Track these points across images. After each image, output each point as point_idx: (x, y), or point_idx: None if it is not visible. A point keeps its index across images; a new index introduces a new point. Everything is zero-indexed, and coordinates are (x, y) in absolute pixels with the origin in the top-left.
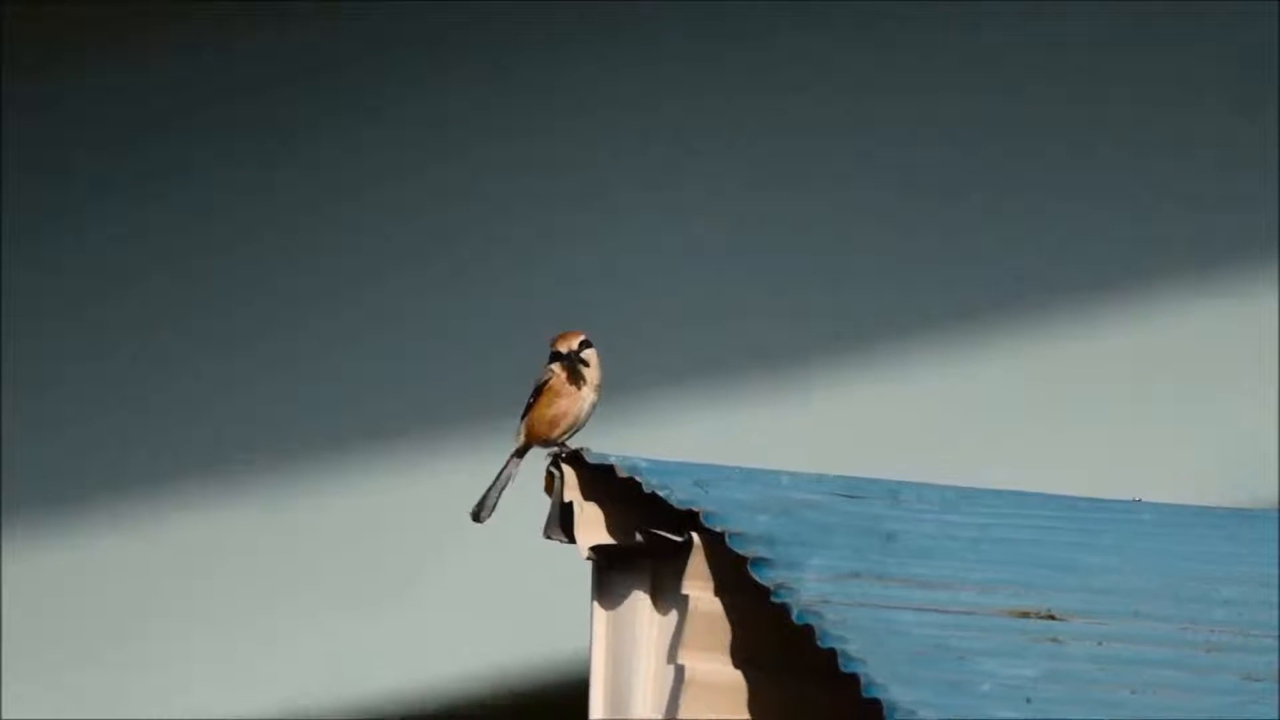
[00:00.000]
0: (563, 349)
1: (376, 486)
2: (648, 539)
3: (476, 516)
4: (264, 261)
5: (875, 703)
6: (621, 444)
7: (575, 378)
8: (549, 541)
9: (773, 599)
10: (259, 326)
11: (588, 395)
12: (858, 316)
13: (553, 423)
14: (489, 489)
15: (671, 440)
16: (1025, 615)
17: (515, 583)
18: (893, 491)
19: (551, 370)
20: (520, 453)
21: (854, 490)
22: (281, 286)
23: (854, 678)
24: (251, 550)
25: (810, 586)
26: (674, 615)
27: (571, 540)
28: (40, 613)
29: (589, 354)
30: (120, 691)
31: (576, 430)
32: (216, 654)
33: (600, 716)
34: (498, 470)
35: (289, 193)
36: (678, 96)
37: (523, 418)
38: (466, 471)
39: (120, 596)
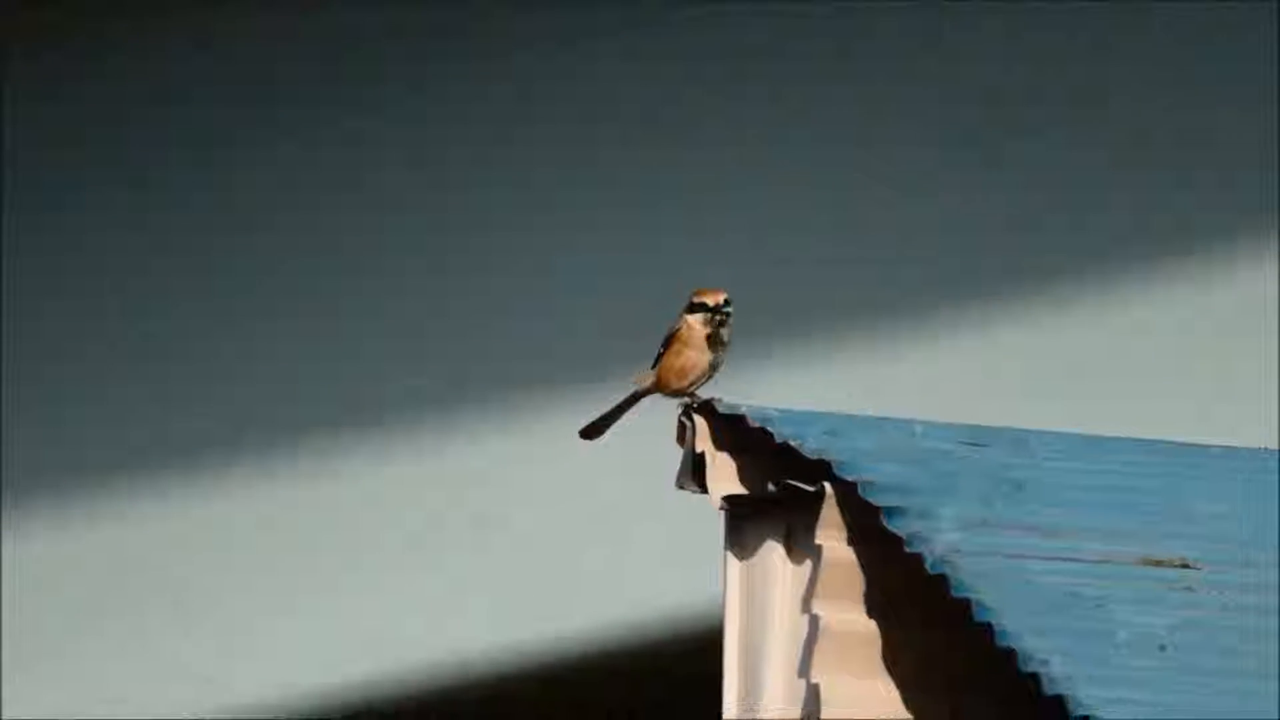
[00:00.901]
0: (710, 302)
1: (498, 443)
2: (781, 489)
3: (587, 434)
4: (264, 243)
5: (1009, 651)
6: (751, 394)
7: (716, 334)
8: (681, 491)
9: (907, 548)
10: (266, 307)
11: (708, 350)
12: (985, 267)
13: (681, 372)
14: (607, 412)
15: (798, 390)
16: (1158, 564)
17: (648, 533)
18: (1018, 440)
19: (685, 320)
20: (642, 394)
21: (982, 439)
22: (286, 268)
23: (987, 627)
24: (288, 527)
25: (943, 536)
26: (808, 565)
27: (704, 490)
28: (38, 599)
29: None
30: (117, 677)
31: (705, 382)
32: (244, 631)
33: (735, 666)
34: (620, 399)
35: (298, 168)
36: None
37: (652, 366)
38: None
39: (118, 581)
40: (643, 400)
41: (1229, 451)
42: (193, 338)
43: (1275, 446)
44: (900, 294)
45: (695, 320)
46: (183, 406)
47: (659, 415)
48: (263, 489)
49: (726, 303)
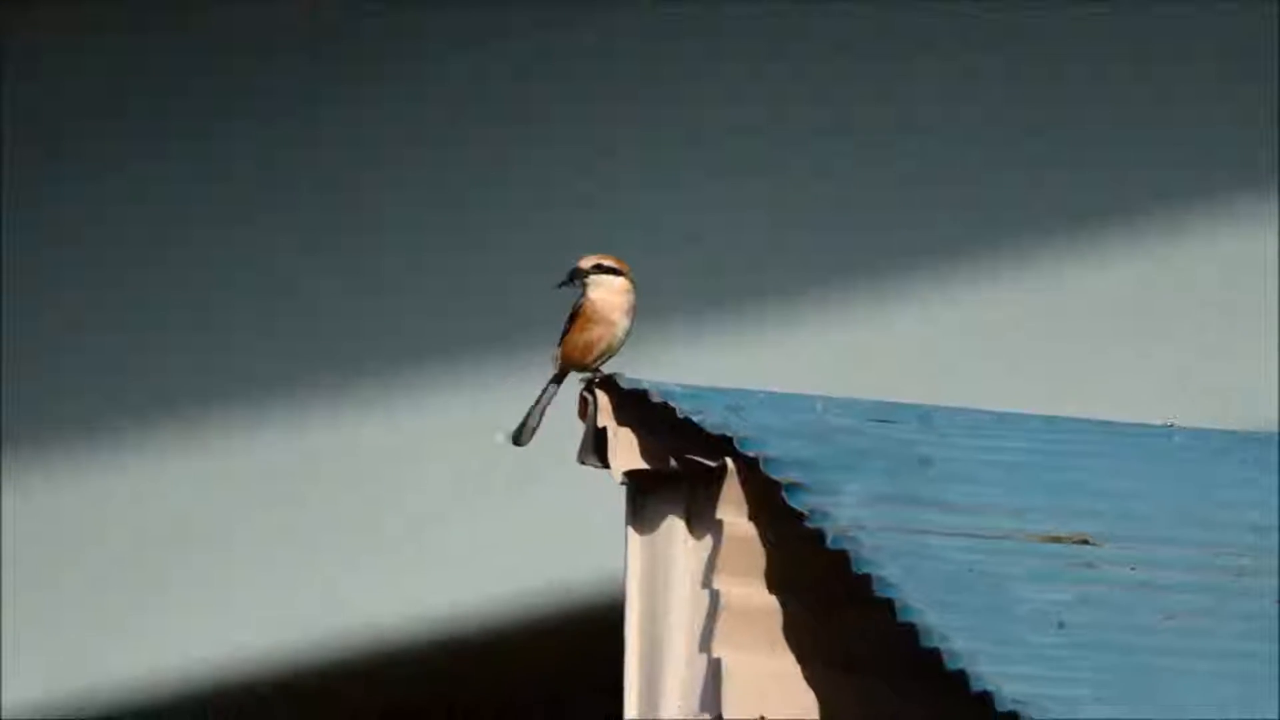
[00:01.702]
0: (580, 265)
1: (404, 415)
2: (682, 464)
3: (517, 440)
4: (285, 188)
5: (910, 627)
6: (655, 370)
7: (578, 294)
8: (583, 467)
9: (807, 524)
10: (288, 254)
11: (621, 322)
12: (890, 241)
13: (586, 348)
14: (529, 412)
15: (704, 367)
16: (1058, 540)
17: (549, 509)
18: (925, 416)
19: (586, 297)
20: (558, 378)
21: (887, 415)
22: (307, 213)
23: (889, 602)
24: (274, 482)
25: (845, 511)
26: (709, 540)
27: (606, 466)
28: (64, 545)
29: (602, 278)
30: (148, 626)
31: (610, 356)
32: (246, 585)
33: (635, 641)
34: (536, 394)
35: (319, 117)
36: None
37: (559, 344)
38: (500, 399)
39: (151, 527)
40: (561, 385)
41: (1133, 428)
42: (183, 294)
43: (1184, 423)
44: (805, 269)
45: (589, 293)
46: (171, 363)
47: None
48: (291, 430)
49: (596, 266)
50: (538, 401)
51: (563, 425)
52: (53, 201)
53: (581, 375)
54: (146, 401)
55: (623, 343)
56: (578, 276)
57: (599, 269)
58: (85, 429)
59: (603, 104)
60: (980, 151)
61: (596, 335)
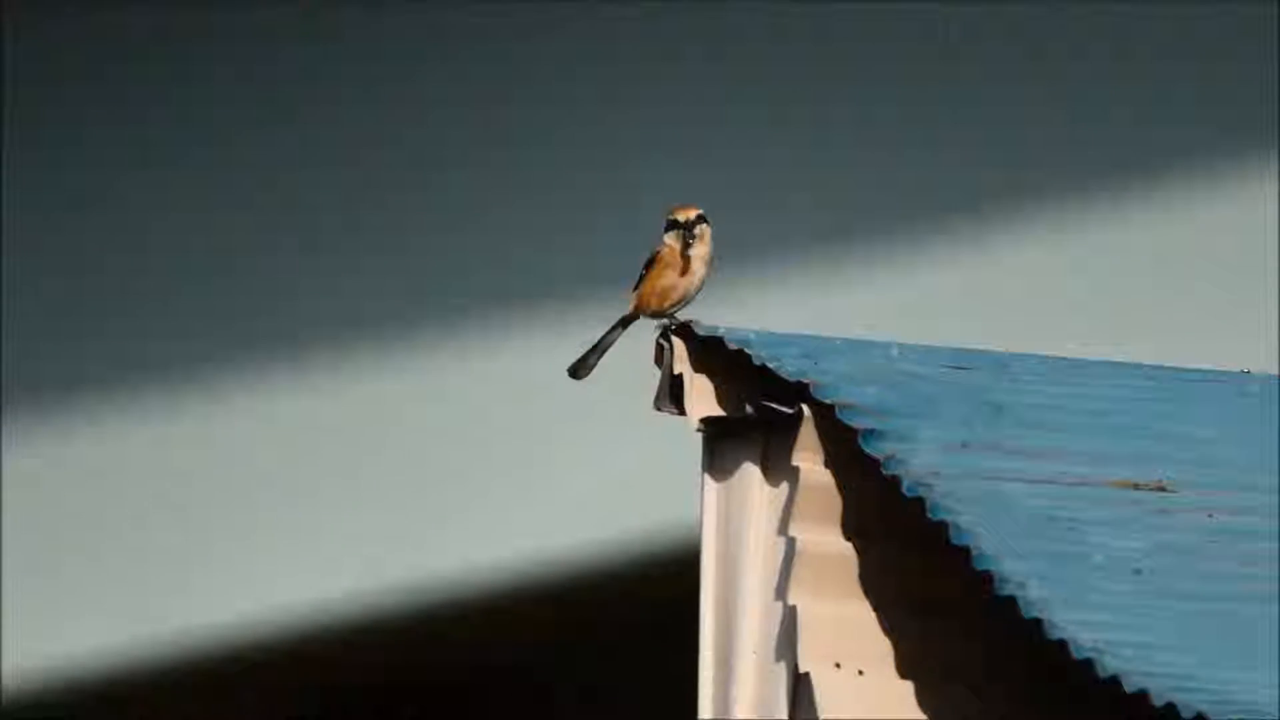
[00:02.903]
0: (680, 218)
1: (480, 363)
2: (758, 410)
3: (574, 373)
4: (327, 141)
5: (986, 574)
6: (731, 316)
7: (685, 250)
8: (659, 413)
9: (883, 471)
10: (337, 207)
11: (699, 269)
12: (965, 187)
13: (663, 295)
14: (589, 350)
15: (780, 313)
16: (1135, 487)
17: (625, 456)
18: (1001, 363)
19: (665, 242)
20: (625, 321)
21: (963, 362)
22: (354, 163)
23: (965, 550)
24: (340, 431)
25: (921, 458)
26: (785, 487)
27: (682, 412)
28: (92, 502)
29: (702, 229)
30: (200, 584)
31: (686, 303)
32: (329, 534)
33: (711, 588)
34: (601, 334)
35: (364, 68)
36: None
37: (634, 289)
38: (572, 345)
39: (207, 481)
40: (629, 327)
41: (1209, 375)
42: (191, 252)
43: (1259, 369)
44: (881, 215)
45: (672, 239)
46: (179, 322)
47: (640, 337)
48: (355, 380)
49: (699, 218)
50: (601, 340)
51: (638, 372)
52: (49, 168)
53: (657, 322)
54: (206, 352)
55: (699, 290)
56: (689, 231)
57: (702, 219)
58: (141, 380)
59: (669, 43)
60: (1058, 96)
61: (672, 282)
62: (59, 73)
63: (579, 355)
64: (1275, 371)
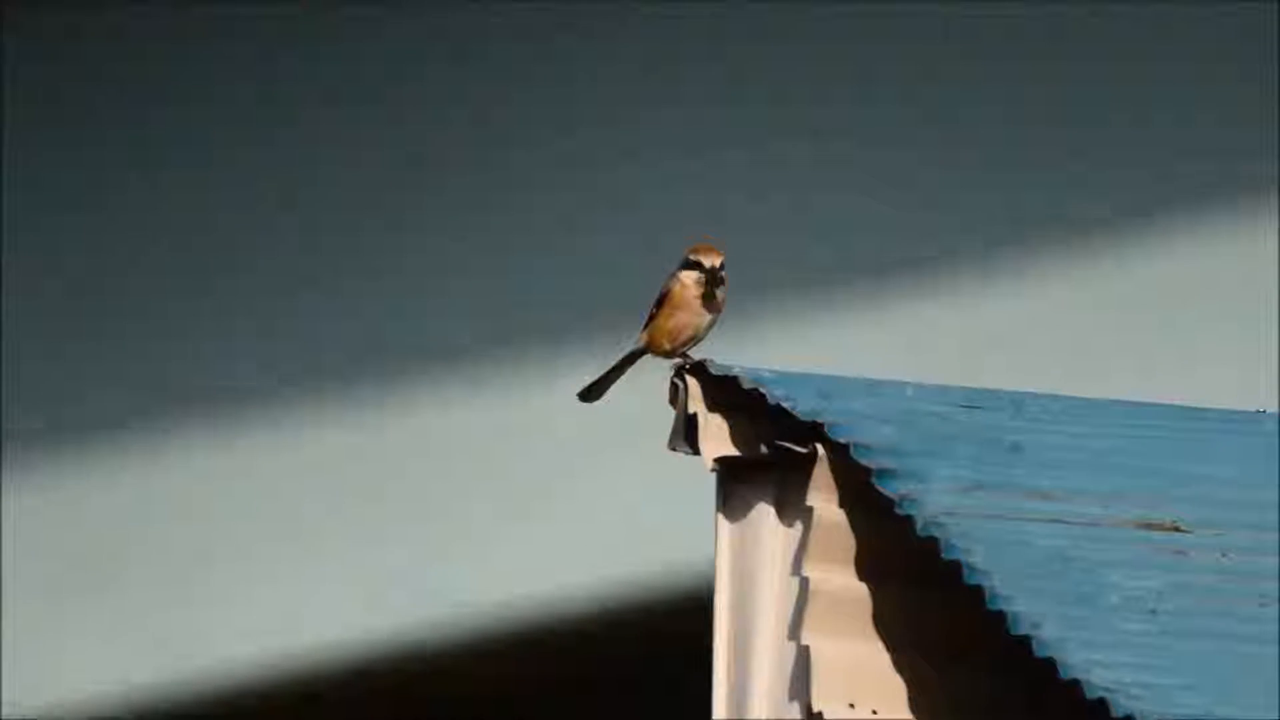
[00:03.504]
0: (706, 263)
1: (494, 400)
2: (773, 450)
3: (585, 397)
4: (354, 166)
5: (1000, 614)
6: (743, 356)
7: (709, 295)
8: (673, 453)
9: (897, 511)
10: (366, 235)
11: (703, 310)
12: (982, 226)
13: (673, 335)
14: (603, 375)
15: (794, 352)
16: (1150, 527)
17: (638, 496)
18: (1016, 402)
19: (677, 279)
20: (635, 355)
21: (978, 401)
22: (385, 183)
23: (978, 590)
24: (350, 468)
25: (935, 498)
26: (799, 527)
27: (696, 452)
28: (115, 536)
29: (724, 274)
30: (222, 617)
31: (696, 343)
32: (334, 572)
33: (725, 628)
34: (615, 361)
35: (298, 110)
36: None
37: (644, 327)
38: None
39: (221, 511)
40: (638, 361)
41: (1225, 414)
42: (198, 289)
43: (1274, 409)
44: (894, 255)
45: (689, 279)
46: (182, 361)
47: (655, 374)
48: (369, 418)
49: (721, 265)
50: (613, 368)
51: (650, 411)
52: (51, 202)
53: (670, 361)
54: (218, 381)
55: (710, 330)
56: (714, 277)
57: (723, 265)
58: (151, 415)
59: (683, 74)
60: (1074, 130)
61: (683, 322)
62: (58, 72)
63: (592, 380)
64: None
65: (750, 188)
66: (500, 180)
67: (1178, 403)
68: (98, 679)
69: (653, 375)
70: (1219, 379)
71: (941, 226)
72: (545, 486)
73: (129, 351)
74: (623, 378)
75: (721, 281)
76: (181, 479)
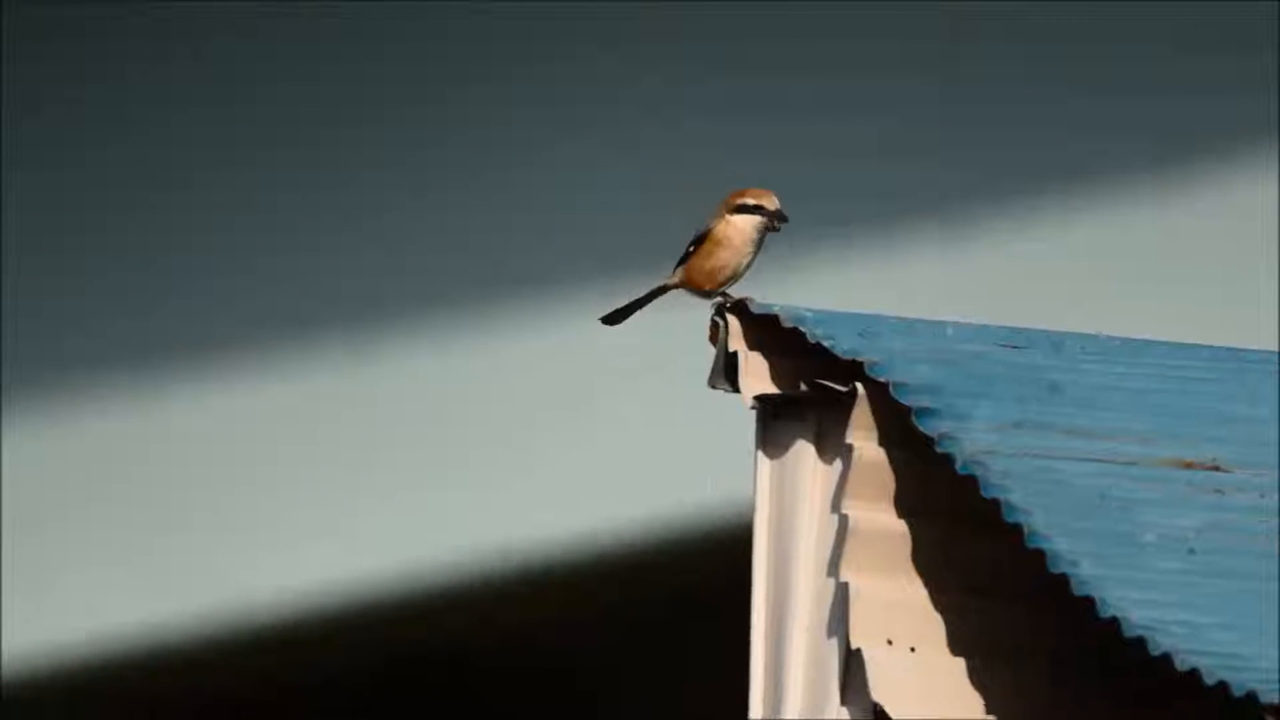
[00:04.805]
0: (769, 206)
1: (529, 335)
2: (812, 388)
3: (609, 320)
4: (356, 107)
5: (1039, 552)
6: (783, 294)
7: (774, 231)
8: (714, 391)
9: (937, 449)
10: (348, 194)
11: (749, 251)
12: (1020, 166)
13: (711, 274)
14: (630, 303)
15: (834, 291)
16: (1189, 466)
17: (679, 432)
18: (1056, 342)
19: (727, 220)
20: (666, 289)
21: (1017, 340)
22: (354, 148)
23: (1017, 528)
24: (382, 408)
25: (974, 437)
26: (838, 465)
27: (736, 390)
28: (126, 475)
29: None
30: (218, 563)
31: (735, 282)
32: (356, 512)
33: (764, 565)
34: (644, 293)
35: (299, 69)
36: None
37: (679, 264)
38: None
39: (225, 459)
40: (666, 294)
41: (1265, 355)
42: (193, 235)
43: None
44: (933, 195)
45: (742, 222)
46: (182, 304)
47: (696, 311)
48: (275, 384)
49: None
50: (642, 298)
51: (693, 349)
52: (49, 156)
53: (710, 300)
54: (221, 330)
55: (748, 270)
56: (779, 217)
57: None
58: (149, 357)
59: (712, 20)
60: (1109, 73)
61: (723, 261)
62: (59, 71)
63: (618, 307)
64: None
65: (788, 134)
66: (491, 138)
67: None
68: (92, 616)
69: (687, 312)
70: (1262, 318)
71: (980, 169)
72: (586, 424)
73: (123, 292)
74: (658, 321)
75: (785, 220)
76: (176, 419)
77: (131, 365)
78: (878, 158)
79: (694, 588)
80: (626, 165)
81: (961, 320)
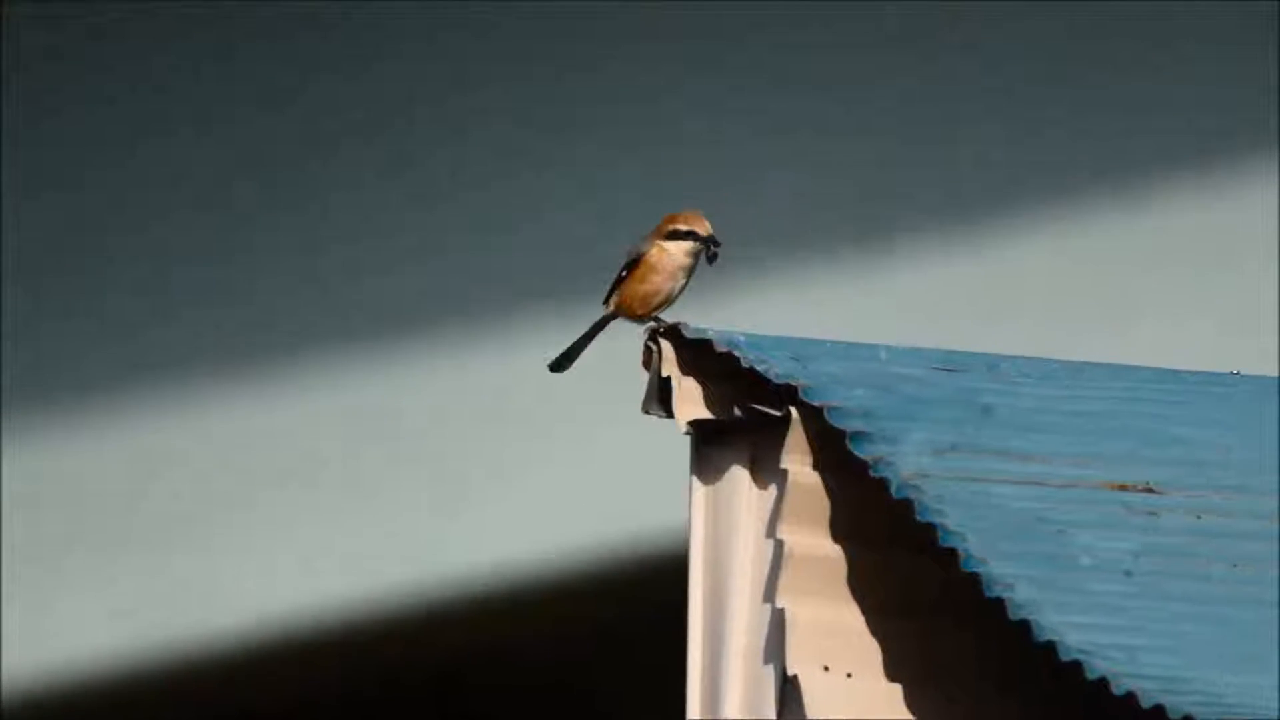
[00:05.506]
0: (702, 231)
1: (467, 365)
2: (746, 413)
3: (556, 367)
4: (354, 127)
5: (974, 576)
6: (716, 319)
7: (708, 262)
8: (647, 416)
9: (872, 473)
10: (363, 204)
11: (681, 277)
12: (956, 189)
13: (645, 299)
14: (574, 344)
15: (767, 316)
16: (1124, 488)
17: (611, 459)
18: (990, 364)
19: (659, 246)
20: (605, 321)
21: (951, 363)
22: (352, 160)
23: (953, 552)
24: (336, 436)
25: (909, 460)
26: (773, 490)
27: (670, 415)
28: (133, 493)
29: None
30: (211, 577)
31: (667, 306)
32: (306, 540)
33: (699, 591)
34: (585, 330)
35: (296, 78)
36: None
37: (612, 289)
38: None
39: (223, 474)
40: (606, 326)
41: (1199, 376)
42: (192, 252)
43: (1246, 371)
44: (867, 218)
45: (675, 248)
46: (175, 326)
47: (628, 339)
48: (262, 404)
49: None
50: (583, 337)
51: (624, 374)
52: (50, 164)
53: (643, 325)
54: (211, 353)
55: (681, 294)
56: (714, 242)
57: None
58: (146, 378)
59: (664, 47)
60: (1049, 97)
61: (656, 286)
62: (59, 70)
63: (563, 350)
64: (1267, 372)
65: (722, 158)
66: (488, 167)
67: (1157, 364)
68: (94, 637)
69: (629, 340)
70: (1197, 339)
71: (918, 190)
72: (518, 451)
73: (118, 314)
74: (595, 345)
75: (719, 251)
76: (170, 441)
77: (128, 387)
78: (815, 180)
79: (631, 614)
80: (627, 167)
81: (896, 344)
